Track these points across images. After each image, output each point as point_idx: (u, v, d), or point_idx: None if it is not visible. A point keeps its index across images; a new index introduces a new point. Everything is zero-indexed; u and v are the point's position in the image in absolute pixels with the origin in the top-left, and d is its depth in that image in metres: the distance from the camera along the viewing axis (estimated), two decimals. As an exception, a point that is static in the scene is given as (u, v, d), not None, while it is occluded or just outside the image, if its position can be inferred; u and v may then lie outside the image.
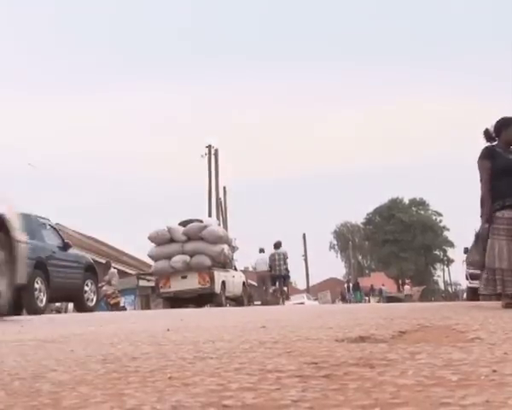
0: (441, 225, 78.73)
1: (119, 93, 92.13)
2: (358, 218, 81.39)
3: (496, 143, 6.10)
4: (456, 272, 74.85)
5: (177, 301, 16.30)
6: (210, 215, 29.49)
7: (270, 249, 19.66)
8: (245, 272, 23.37)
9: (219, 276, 16.74)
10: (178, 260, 16.45)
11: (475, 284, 10.28)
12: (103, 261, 19.00)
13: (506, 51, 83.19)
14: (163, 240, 16.83)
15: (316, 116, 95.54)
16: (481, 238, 5.91)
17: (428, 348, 2.03)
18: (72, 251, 12.23)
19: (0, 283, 5.74)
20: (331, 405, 1.21)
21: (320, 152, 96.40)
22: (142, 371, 1.70)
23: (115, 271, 18.20)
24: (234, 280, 18.01)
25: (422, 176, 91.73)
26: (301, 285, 50.16)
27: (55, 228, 12.02)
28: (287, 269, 19.34)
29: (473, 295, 10.81)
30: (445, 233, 78.03)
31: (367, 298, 41.53)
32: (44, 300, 10.27)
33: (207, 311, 10.27)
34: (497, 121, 6.10)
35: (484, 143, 6.14)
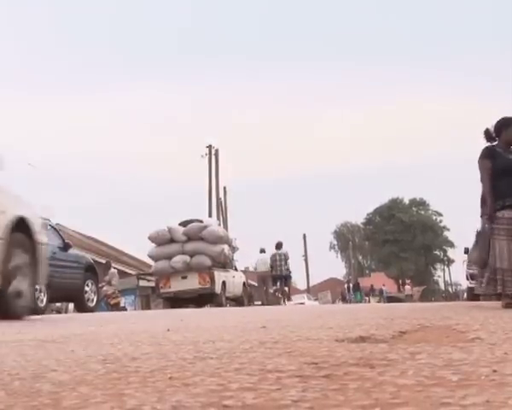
0: (441, 225, 78.76)
1: (119, 93, 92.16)
2: (358, 218, 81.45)
3: (496, 143, 6.11)
4: (457, 273, 74.82)
5: (178, 301, 16.30)
6: (210, 215, 29.49)
7: (270, 250, 19.67)
8: (245, 272, 23.37)
9: (219, 276, 16.75)
10: (178, 260, 16.45)
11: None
12: (103, 261, 18.99)
13: (506, 51, 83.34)
14: (163, 240, 16.83)
15: (316, 116, 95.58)
16: (483, 237, 5.91)
17: (429, 349, 2.03)
18: (73, 251, 12.23)
19: (22, 284, 5.96)
20: (331, 405, 1.21)
21: (320, 152, 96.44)
22: (142, 372, 1.70)
23: (115, 271, 18.20)
24: (234, 280, 18.01)
25: (422, 176, 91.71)
26: (301, 285, 50.17)
27: (55, 228, 12.03)
28: (288, 269, 19.36)
29: (473, 295, 10.80)
30: (446, 233, 78.07)
31: (367, 298, 41.53)
32: (45, 300, 10.28)
33: (207, 311, 10.27)
34: (498, 121, 6.10)
35: (484, 143, 6.14)
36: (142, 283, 26.45)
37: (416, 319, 3.64)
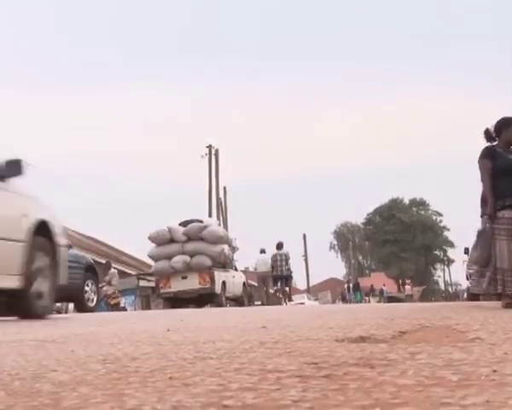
0: (441, 225, 78.77)
1: (119, 93, 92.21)
2: (358, 218, 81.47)
3: (496, 143, 6.11)
4: (457, 273, 74.98)
5: (178, 301, 16.31)
6: (210, 215, 29.51)
7: (270, 250, 19.68)
8: (245, 272, 23.37)
9: (219, 276, 16.75)
10: (179, 260, 16.45)
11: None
12: (103, 261, 18.99)
13: (506, 51, 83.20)
14: (163, 240, 16.84)
15: (315, 116, 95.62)
16: (484, 236, 5.91)
17: (429, 349, 2.03)
18: (73, 251, 12.23)
19: (44, 285, 6.15)
20: (331, 405, 1.21)
21: (320, 152, 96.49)
22: (142, 372, 1.70)
23: (115, 271, 18.19)
24: (234, 280, 18.01)
25: (422, 176, 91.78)
26: (301, 285, 50.19)
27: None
28: (288, 269, 19.36)
29: (473, 295, 10.81)
30: (446, 233, 78.08)
31: (367, 298, 41.53)
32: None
33: (207, 311, 10.27)
34: (498, 121, 6.11)
35: (484, 143, 6.14)
36: (143, 283, 26.45)
37: (416, 319, 3.64)
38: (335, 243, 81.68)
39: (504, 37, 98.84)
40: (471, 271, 6.41)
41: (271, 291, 20.40)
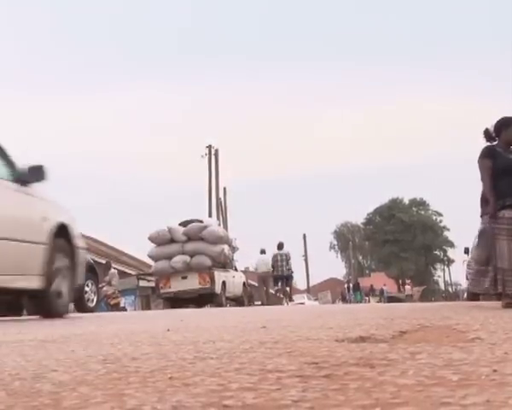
0: (441, 225, 78.82)
1: (119, 93, 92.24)
2: (359, 218, 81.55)
3: (496, 142, 6.11)
4: (457, 272, 74.99)
5: (178, 301, 16.31)
6: (210, 215, 29.52)
7: (270, 250, 19.69)
8: (245, 272, 23.39)
9: (219, 276, 16.75)
10: (179, 260, 16.45)
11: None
12: (103, 262, 18.99)
13: (506, 51, 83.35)
14: (163, 240, 16.84)
15: (315, 116, 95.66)
16: (486, 236, 5.91)
17: (429, 348, 2.03)
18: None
19: (62, 285, 6.44)
20: (332, 405, 1.21)
21: (320, 152, 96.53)
22: (142, 372, 1.70)
23: (115, 271, 18.19)
24: (234, 280, 18.02)
25: (422, 176, 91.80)
26: (301, 285, 50.21)
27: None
28: (289, 269, 19.36)
29: (473, 295, 10.80)
30: (446, 233, 78.13)
31: (367, 298, 41.53)
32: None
33: (207, 311, 10.27)
34: (498, 121, 6.11)
35: (484, 143, 6.14)
36: (142, 283, 26.45)
37: (416, 319, 3.64)
38: (335, 242, 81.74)
39: (504, 37, 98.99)
40: (470, 270, 6.41)
41: (272, 291, 20.41)
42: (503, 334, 2.55)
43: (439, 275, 79.91)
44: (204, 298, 16.54)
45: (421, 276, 72.00)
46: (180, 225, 17.09)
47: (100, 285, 13.96)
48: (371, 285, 47.50)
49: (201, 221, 17.49)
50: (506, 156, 5.96)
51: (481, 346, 2.11)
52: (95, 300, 12.31)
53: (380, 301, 38.49)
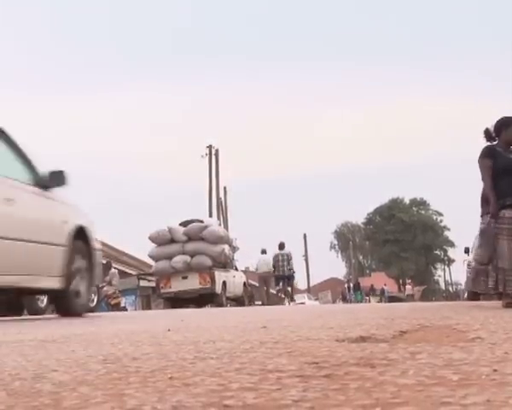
0: (442, 224, 78.82)
1: (119, 93, 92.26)
2: (359, 218, 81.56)
3: (496, 142, 6.11)
4: (457, 272, 74.99)
5: (178, 301, 16.32)
6: (210, 215, 29.52)
7: (270, 250, 19.70)
8: (246, 272, 23.38)
9: (220, 276, 16.75)
10: (179, 260, 16.45)
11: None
12: (104, 262, 18.97)
13: (506, 51, 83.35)
14: (164, 240, 16.84)
15: (316, 116, 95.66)
16: (487, 235, 5.91)
17: (429, 348, 2.03)
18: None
19: (81, 285, 6.74)
20: (332, 405, 1.21)
21: (320, 152, 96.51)
22: (142, 372, 1.70)
23: (116, 271, 18.20)
24: (234, 280, 18.02)
25: (422, 176, 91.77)
26: (302, 285, 50.19)
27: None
28: (290, 269, 19.35)
29: (473, 294, 10.81)
30: (446, 233, 78.13)
31: (367, 298, 41.52)
32: (45, 300, 10.28)
33: (208, 311, 10.27)
34: (498, 121, 6.11)
35: (484, 143, 6.14)
36: (143, 283, 26.44)
37: (417, 319, 3.64)
38: (336, 242, 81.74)
39: (504, 37, 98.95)
40: (470, 270, 6.42)
41: (273, 291, 20.40)
42: (503, 334, 2.55)
43: (440, 275, 79.99)
44: (204, 298, 16.54)
45: (421, 276, 71.99)
46: (180, 225, 17.10)
47: (100, 285, 13.97)
48: (372, 285, 47.48)
49: (202, 221, 17.49)
50: (506, 156, 5.96)
51: (481, 346, 2.11)
52: (95, 300, 12.33)
53: (381, 301, 38.48)
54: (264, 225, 77.00)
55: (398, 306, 8.94)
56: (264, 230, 74.17)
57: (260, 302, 19.67)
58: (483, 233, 6.00)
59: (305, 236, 52.74)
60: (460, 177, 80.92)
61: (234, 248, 18.75)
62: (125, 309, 19.27)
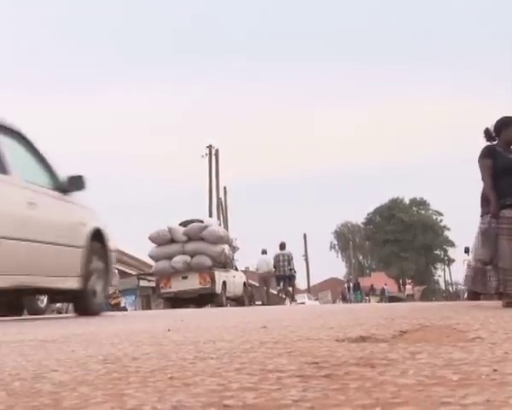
0: (442, 224, 78.78)
1: (119, 93, 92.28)
2: (359, 218, 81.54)
3: (496, 142, 6.11)
4: (457, 272, 74.77)
5: (178, 301, 16.32)
6: (210, 215, 29.52)
7: (271, 250, 19.70)
8: (246, 272, 23.38)
9: (220, 276, 16.75)
10: (179, 260, 16.45)
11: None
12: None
13: (506, 51, 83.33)
14: (163, 240, 16.84)
15: (316, 116, 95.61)
16: (489, 235, 5.90)
17: (429, 348, 2.03)
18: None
19: (98, 285, 7.00)
20: (332, 404, 1.21)
21: (320, 152, 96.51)
22: (142, 372, 1.70)
23: (116, 271, 18.17)
24: (234, 280, 18.02)
25: (422, 176, 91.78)
26: (302, 285, 50.17)
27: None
28: (291, 269, 19.35)
29: (473, 294, 10.80)
30: (446, 233, 78.10)
31: (367, 298, 41.51)
32: (45, 300, 10.28)
33: (208, 311, 10.27)
34: (498, 121, 6.11)
35: (484, 143, 6.14)
36: (143, 283, 26.44)
37: (416, 319, 3.64)
38: (336, 242, 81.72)
39: (504, 37, 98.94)
40: (469, 269, 6.43)
41: (274, 292, 20.40)
42: (503, 333, 2.55)
43: (440, 275, 79.96)
44: (204, 298, 16.54)
45: (421, 276, 71.96)
46: (180, 225, 17.10)
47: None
48: (371, 285, 47.47)
49: (202, 221, 17.50)
50: (506, 156, 5.96)
51: (481, 346, 2.11)
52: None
53: (381, 301, 38.46)
54: (264, 225, 77.08)
55: (398, 306, 8.94)
56: (264, 230, 74.24)
57: (260, 302, 19.67)
58: (485, 233, 5.99)
59: (305, 236, 52.79)
60: (460, 177, 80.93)
61: (234, 248, 18.76)
62: (124, 309, 19.28)
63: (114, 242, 7.70)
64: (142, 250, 23.17)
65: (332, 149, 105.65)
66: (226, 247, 17.17)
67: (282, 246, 19.21)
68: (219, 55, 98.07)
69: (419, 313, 4.50)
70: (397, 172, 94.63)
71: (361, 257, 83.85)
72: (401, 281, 67.12)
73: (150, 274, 21.25)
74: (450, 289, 69.83)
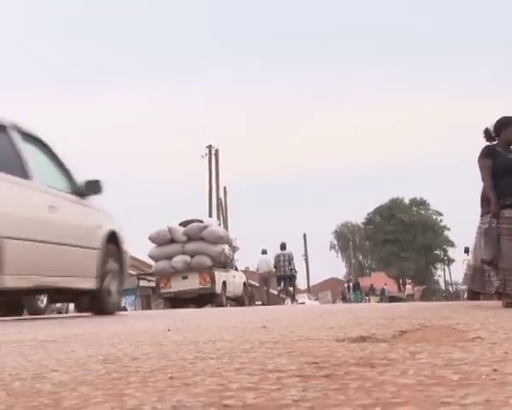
0: (442, 224, 78.75)
1: (119, 93, 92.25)
2: (359, 218, 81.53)
3: (496, 142, 6.11)
4: (457, 272, 74.76)
5: (178, 301, 16.32)
6: (210, 215, 29.51)
7: (271, 250, 19.71)
8: (246, 272, 23.38)
9: (220, 276, 16.75)
10: (179, 260, 16.45)
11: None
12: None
13: (506, 51, 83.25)
14: (163, 240, 16.84)
15: (316, 116, 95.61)
16: (490, 235, 5.90)
17: (429, 348, 2.03)
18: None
19: (112, 285, 7.26)
20: (332, 404, 1.21)
21: (320, 152, 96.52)
22: (142, 372, 1.70)
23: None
24: (234, 280, 18.02)
25: (422, 176, 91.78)
26: (302, 285, 50.16)
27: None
28: (292, 269, 19.35)
29: (473, 294, 10.80)
30: (446, 233, 78.08)
31: (367, 298, 41.50)
32: (45, 300, 10.28)
33: (208, 311, 10.27)
34: (497, 121, 6.10)
35: (484, 143, 6.14)
36: (143, 283, 26.44)
37: (416, 319, 3.64)
38: (336, 242, 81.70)
39: (504, 37, 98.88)
40: (468, 268, 6.44)
41: (274, 292, 20.40)
42: (503, 333, 2.55)
43: (440, 275, 79.90)
44: (204, 298, 16.54)
45: (421, 276, 71.93)
46: (180, 225, 17.09)
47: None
48: (371, 285, 47.45)
49: (202, 221, 17.49)
50: (506, 156, 5.95)
51: (481, 345, 2.11)
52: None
53: (381, 301, 38.44)
54: (264, 225, 77.09)
55: (397, 306, 8.94)
56: (264, 230, 74.25)
57: (260, 302, 19.67)
58: (487, 233, 5.99)
59: (305, 236, 52.77)
60: (460, 177, 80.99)
61: (234, 248, 18.75)
62: (124, 309, 19.26)
63: (128, 244, 7.99)
64: (142, 250, 23.18)
65: (332, 149, 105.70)
66: (226, 247, 17.17)
67: (283, 246, 19.21)
68: (219, 55, 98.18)
69: (419, 313, 4.50)
70: (397, 172, 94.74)
71: (361, 257, 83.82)
72: (401, 281, 67.10)
73: (150, 274, 21.25)
74: (450, 289, 69.80)
